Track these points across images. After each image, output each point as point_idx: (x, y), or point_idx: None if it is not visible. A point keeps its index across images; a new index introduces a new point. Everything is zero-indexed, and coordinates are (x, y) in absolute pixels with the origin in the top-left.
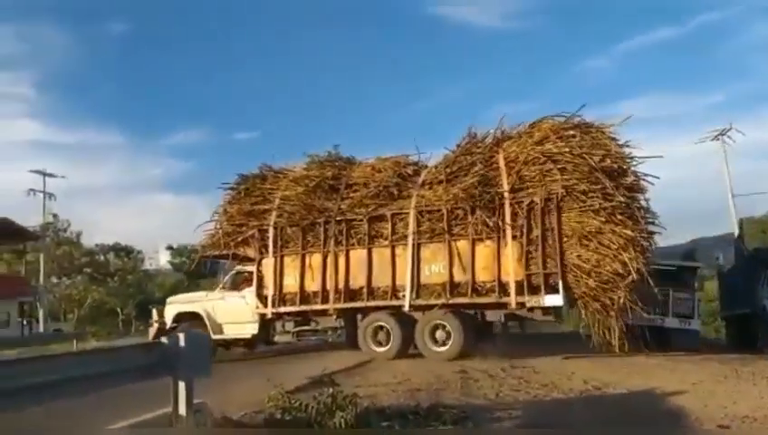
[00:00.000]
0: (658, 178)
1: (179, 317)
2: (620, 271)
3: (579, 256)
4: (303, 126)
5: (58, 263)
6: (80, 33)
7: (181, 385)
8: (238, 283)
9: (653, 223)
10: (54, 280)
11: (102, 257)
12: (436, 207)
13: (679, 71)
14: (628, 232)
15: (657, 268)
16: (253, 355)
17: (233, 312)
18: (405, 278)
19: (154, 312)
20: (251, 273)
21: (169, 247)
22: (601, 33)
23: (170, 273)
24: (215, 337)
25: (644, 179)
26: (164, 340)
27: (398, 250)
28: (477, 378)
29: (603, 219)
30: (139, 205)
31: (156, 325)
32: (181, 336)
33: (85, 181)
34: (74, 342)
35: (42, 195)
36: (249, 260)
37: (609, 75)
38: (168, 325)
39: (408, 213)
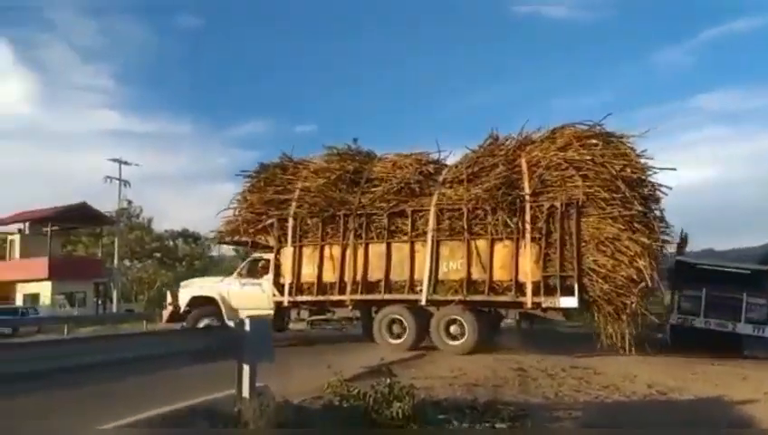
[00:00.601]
0: (671, 188)
1: (194, 301)
2: (634, 277)
3: (595, 260)
4: (358, 120)
5: (130, 247)
6: (154, 26)
7: (245, 369)
8: (254, 270)
9: (666, 233)
10: (127, 263)
11: (171, 243)
12: (456, 206)
13: (763, 63)
14: (645, 240)
15: (729, 272)
16: (308, 342)
17: (248, 298)
18: (423, 273)
19: (168, 295)
20: (268, 261)
21: None
22: (677, 24)
23: (234, 259)
24: (228, 322)
25: (659, 190)
26: (230, 324)
27: (417, 246)
28: (536, 377)
29: (621, 227)
30: (204, 193)
31: (170, 308)
32: (246, 322)
33: (156, 169)
34: (144, 322)
35: (118, 182)
36: (267, 248)
37: (686, 67)
38: (182, 309)
39: (428, 210)
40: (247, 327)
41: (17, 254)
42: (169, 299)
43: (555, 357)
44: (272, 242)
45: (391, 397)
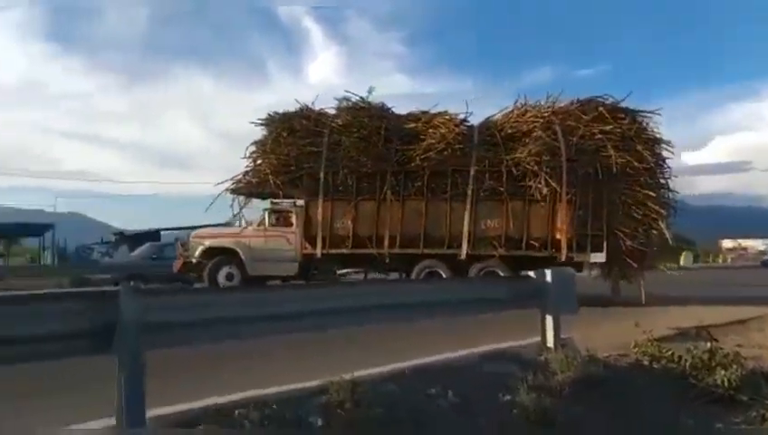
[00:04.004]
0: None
1: (208, 252)
2: (652, 236)
3: (621, 222)
4: (661, 58)
5: None
6: None
7: (548, 319)
8: (273, 221)
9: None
10: None
11: None
12: (496, 168)
13: None
14: (664, 205)
15: None
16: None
17: (273, 250)
18: (463, 230)
19: (178, 244)
20: (290, 212)
21: None
22: None
23: None
24: (251, 274)
25: (666, 162)
26: (532, 274)
27: (457, 204)
28: None
29: (647, 193)
30: None
31: (181, 259)
32: (548, 272)
33: None
34: None
35: None
36: (288, 199)
37: None
38: (195, 259)
39: (468, 170)
40: (549, 278)
41: None
42: (180, 249)
43: None
44: (301, 195)
45: (713, 363)
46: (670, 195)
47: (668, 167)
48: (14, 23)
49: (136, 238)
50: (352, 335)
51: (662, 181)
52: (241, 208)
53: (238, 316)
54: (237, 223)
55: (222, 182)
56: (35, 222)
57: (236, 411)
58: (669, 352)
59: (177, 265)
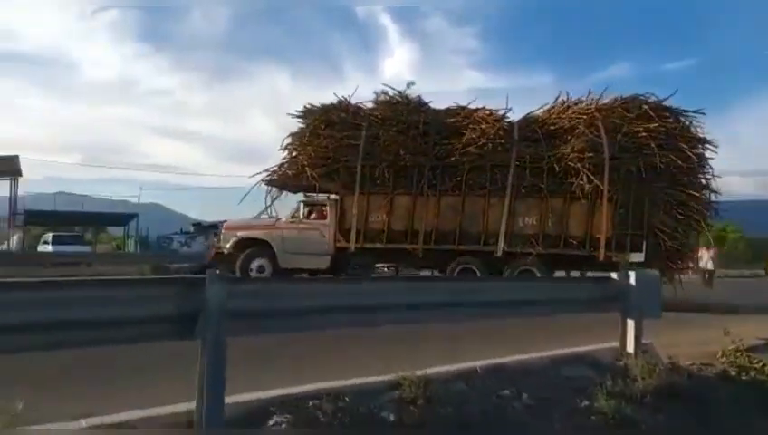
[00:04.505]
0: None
1: (241, 243)
2: (694, 238)
3: (662, 221)
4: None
5: None
6: None
7: (629, 323)
8: (306, 214)
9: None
10: None
11: None
12: (536, 164)
13: None
14: (706, 206)
15: None
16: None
17: (306, 243)
18: (499, 226)
19: (213, 237)
20: (323, 206)
21: None
22: None
23: None
24: (283, 266)
25: (708, 162)
26: (614, 276)
27: (494, 199)
28: None
29: (689, 192)
30: None
31: (213, 250)
32: (632, 274)
33: None
34: None
35: None
36: (322, 193)
37: None
38: (227, 250)
39: (507, 166)
40: (633, 280)
41: None
42: (214, 241)
43: None
44: (337, 187)
45: None
46: (712, 196)
47: (711, 167)
48: (111, 24)
49: (212, 229)
50: (426, 332)
51: (704, 182)
52: (273, 200)
53: (331, 306)
54: (267, 215)
55: (257, 174)
56: (120, 212)
57: (310, 402)
58: (761, 364)
59: (209, 255)
